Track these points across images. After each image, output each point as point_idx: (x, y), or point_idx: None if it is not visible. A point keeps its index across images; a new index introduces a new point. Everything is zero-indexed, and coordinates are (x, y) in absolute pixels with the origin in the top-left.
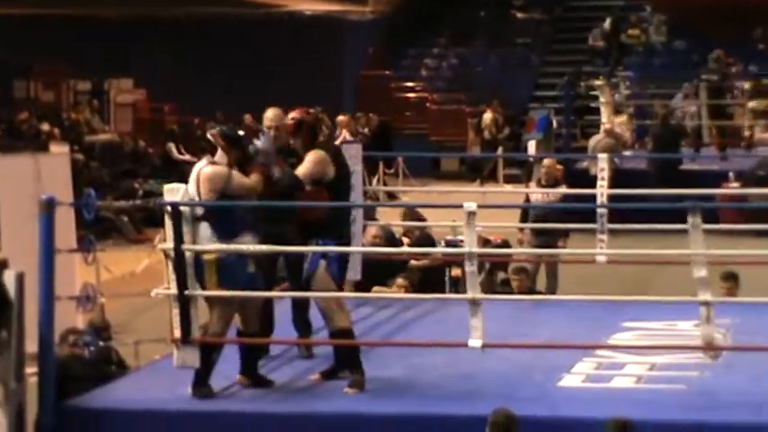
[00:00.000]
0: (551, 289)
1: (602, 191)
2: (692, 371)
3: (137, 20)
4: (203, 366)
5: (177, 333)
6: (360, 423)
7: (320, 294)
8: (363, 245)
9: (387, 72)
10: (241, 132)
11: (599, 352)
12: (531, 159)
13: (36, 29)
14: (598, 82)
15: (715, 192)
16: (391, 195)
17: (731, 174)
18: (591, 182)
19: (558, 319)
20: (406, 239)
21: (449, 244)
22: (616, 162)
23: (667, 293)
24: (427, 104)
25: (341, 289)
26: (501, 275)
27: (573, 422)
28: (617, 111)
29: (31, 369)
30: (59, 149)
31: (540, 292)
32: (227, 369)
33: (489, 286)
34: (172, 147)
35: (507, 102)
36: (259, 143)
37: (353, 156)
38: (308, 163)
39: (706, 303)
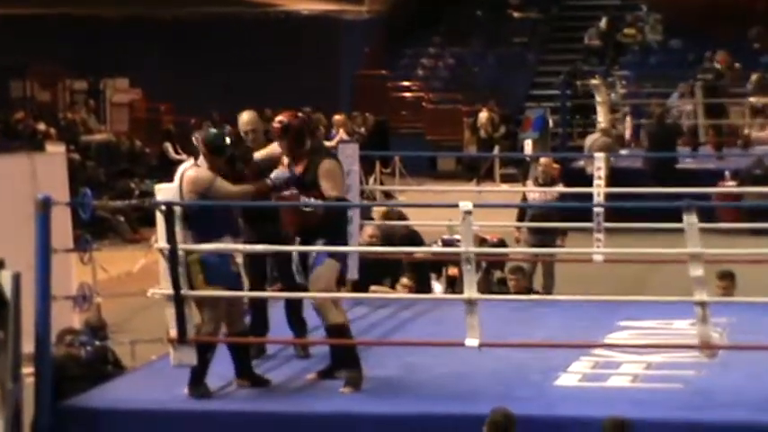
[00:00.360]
0: (548, 288)
1: (598, 190)
2: (688, 370)
3: (133, 19)
4: (199, 366)
5: (173, 333)
6: (356, 423)
7: (315, 295)
8: (360, 244)
9: (383, 71)
10: (228, 140)
11: (595, 351)
12: (527, 158)
13: (32, 28)
14: (594, 81)
15: (711, 190)
16: (388, 195)
17: (727, 172)
18: (587, 181)
19: (554, 318)
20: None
21: (446, 243)
22: (612, 161)
23: (664, 292)
24: (424, 104)
25: (338, 288)
26: (498, 274)
27: (569, 421)
28: (613, 110)
29: (27, 369)
30: (55, 149)
31: (536, 292)
32: (223, 369)
33: (486, 285)
34: (168, 146)
35: (504, 101)
36: (276, 174)
37: (350, 155)
38: (331, 178)
39: (702, 303)
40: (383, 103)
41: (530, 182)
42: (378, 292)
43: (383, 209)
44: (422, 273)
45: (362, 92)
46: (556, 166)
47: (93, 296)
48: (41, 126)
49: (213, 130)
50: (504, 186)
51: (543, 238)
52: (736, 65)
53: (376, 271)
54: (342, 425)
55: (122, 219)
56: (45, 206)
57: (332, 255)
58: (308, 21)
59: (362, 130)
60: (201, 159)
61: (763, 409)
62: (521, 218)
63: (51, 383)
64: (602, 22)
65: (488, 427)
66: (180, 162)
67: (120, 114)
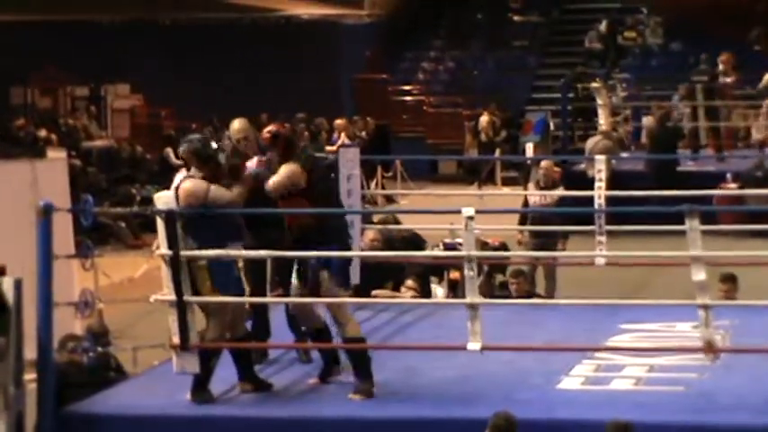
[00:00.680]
0: (550, 291)
1: (599, 192)
2: (691, 372)
3: (133, 25)
4: (202, 372)
5: (176, 339)
6: (359, 427)
7: (323, 300)
8: (361, 248)
9: (384, 75)
10: (214, 145)
11: (598, 354)
12: (528, 162)
13: (33, 35)
14: (595, 84)
15: (713, 193)
16: (389, 199)
17: (729, 175)
18: (589, 184)
19: (556, 321)
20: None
21: (447, 247)
22: (613, 164)
23: (666, 294)
24: (424, 107)
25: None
26: (500, 278)
27: (572, 425)
28: (614, 112)
29: (29, 375)
30: (57, 155)
31: (539, 295)
32: (226, 374)
33: (488, 289)
34: (169, 152)
35: (504, 104)
36: (251, 165)
37: (351, 159)
38: (278, 175)
39: (705, 306)
40: (384, 107)
41: (531, 185)
42: (380, 297)
43: (380, 217)
44: (423, 275)
45: (363, 96)
46: (557, 169)
47: (95, 302)
48: (42, 132)
49: (196, 138)
50: (506, 190)
51: (544, 240)
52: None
53: (378, 275)
54: (344, 429)
55: (124, 224)
56: (46, 212)
57: (325, 265)
58: (308, 25)
59: (363, 134)
60: (194, 170)
61: (765, 411)
62: (523, 221)
63: (54, 390)
64: (603, 25)
65: (491, 431)
66: (181, 167)
67: (121, 120)
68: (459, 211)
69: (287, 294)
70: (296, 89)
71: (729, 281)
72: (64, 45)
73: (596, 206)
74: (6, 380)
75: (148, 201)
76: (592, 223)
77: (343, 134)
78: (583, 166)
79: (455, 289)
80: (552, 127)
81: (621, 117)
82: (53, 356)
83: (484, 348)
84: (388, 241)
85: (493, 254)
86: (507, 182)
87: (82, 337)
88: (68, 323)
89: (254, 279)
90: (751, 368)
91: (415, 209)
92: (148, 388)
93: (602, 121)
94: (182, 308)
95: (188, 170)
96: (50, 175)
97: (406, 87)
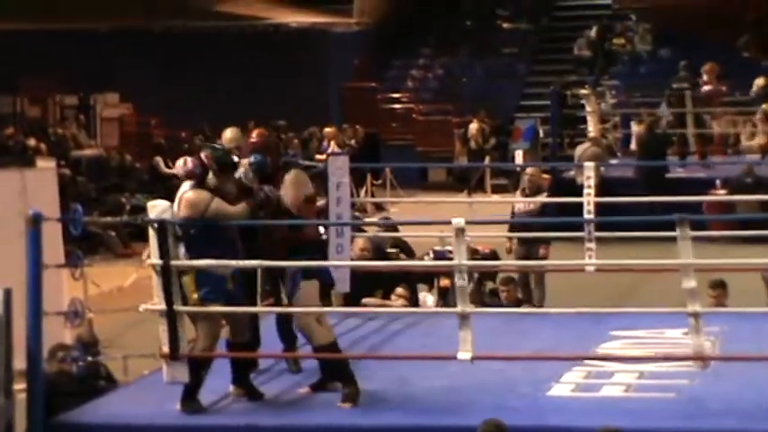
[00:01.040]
0: (539, 298)
1: (588, 199)
2: (681, 379)
3: (123, 34)
4: (192, 382)
5: (166, 349)
6: None
7: (304, 310)
8: (351, 258)
9: (373, 83)
10: (235, 158)
11: (588, 361)
12: (518, 169)
13: (21, 43)
14: (584, 91)
15: (702, 199)
16: (379, 207)
17: (718, 181)
18: (578, 191)
19: (546, 328)
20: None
21: (437, 255)
22: (602, 170)
23: (657, 300)
24: (414, 115)
25: (324, 302)
26: (490, 285)
27: (562, 431)
28: (603, 119)
29: (19, 385)
30: (46, 164)
31: (529, 300)
32: (217, 383)
33: (478, 296)
34: (159, 161)
35: (494, 112)
36: (241, 173)
37: (340, 167)
38: (292, 186)
39: (695, 314)
40: (373, 114)
41: (518, 192)
42: (370, 305)
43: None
44: (413, 284)
45: (352, 104)
46: (546, 176)
47: (84, 312)
48: (32, 141)
49: (219, 146)
50: (496, 197)
51: (530, 247)
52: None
53: (368, 283)
54: None
55: (113, 234)
56: (36, 222)
57: (307, 275)
58: (297, 33)
59: (353, 142)
60: (211, 177)
61: (755, 417)
62: (513, 228)
63: (43, 399)
64: (592, 32)
65: None
66: (171, 176)
67: (111, 129)
68: (449, 222)
69: (277, 304)
70: (285, 97)
71: (719, 287)
72: (53, 54)
73: (585, 213)
74: None
75: (138, 210)
76: (581, 230)
77: (332, 142)
78: (572, 172)
79: (445, 296)
80: (542, 134)
81: (611, 124)
82: (43, 366)
83: (474, 358)
84: (377, 250)
85: (483, 263)
86: (497, 189)
87: (71, 347)
88: (58, 333)
89: (245, 289)
90: (741, 374)
91: (406, 220)
92: (138, 397)
93: (591, 128)
94: (172, 317)
95: (192, 179)
96: (40, 184)
97: (395, 95)
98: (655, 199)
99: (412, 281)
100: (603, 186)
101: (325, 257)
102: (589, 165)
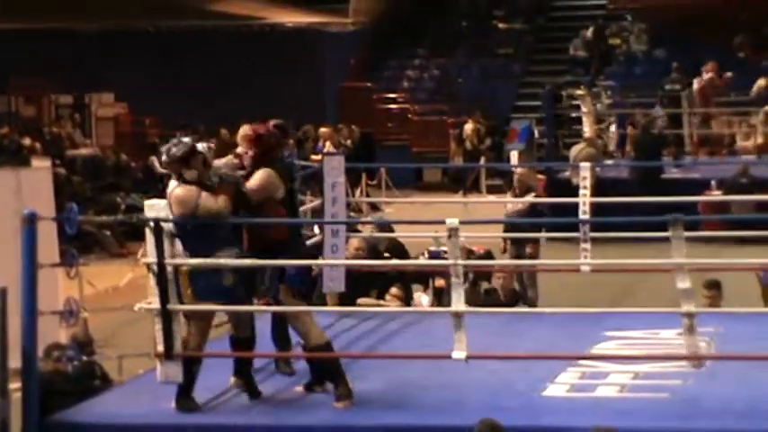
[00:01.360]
0: (533, 298)
1: (584, 200)
2: (675, 379)
3: (117, 33)
4: (185, 379)
5: (160, 348)
6: None
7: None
8: (346, 257)
9: (368, 84)
10: (188, 144)
11: (583, 361)
12: (513, 170)
13: (16, 43)
14: (579, 91)
15: (697, 199)
16: (374, 207)
17: (713, 182)
18: (573, 191)
19: (541, 328)
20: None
21: (432, 255)
22: (598, 171)
23: (652, 300)
24: (409, 115)
25: (309, 303)
26: (485, 285)
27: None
28: (598, 120)
29: (14, 384)
30: (41, 164)
31: (524, 299)
32: (212, 381)
33: (473, 296)
34: (154, 160)
35: (489, 112)
36: (220, 164)
37: (336, 167)
38: (256, 180)
39: (689, 314)
40: (368, 114)
41: (509, 193)
42: (365, 305)
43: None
44: (408, 284)
45: (348, 104)
46: (540, 176)
47: (79, 311)
48: (27, 141)
49: (173, 142)
50: (491, 197)
51: (519, 246)
52: (727, 74)
53: (363, 283)
54: None
55: (109, 233)
56: (31, 221)
57: (282, 277)
58: (292, 33)
59: (348, 142)
60: (191, 171)
61: (749, 417)
62: (507, 228)
63: (38, 398)
64: (589, 32)
65: None
66: (166, 175)
67: (106, 128)
68: (443, 222)
69: (275, 303)
70: (280, 97)
71: (714, 287)
72: (48, 53)
73: (581, 213)
74: None
75: (133, 209)
76: (576, 230)
77: (328, 142)
78: (567, 173)
79: (440, 296)
80: (537, 135)
81: (606, 124)
82: (38, 365)
83: (469, 357)
84: (372, 249)
85: (478, 262)
86: (492, 190)
87: (66, 346)
88: (53, 332)
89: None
90: (736, 374)
91: (400, 220)
92: (133, 396)
93: (587, 128)
94: (167, 317)
95: (178, 176)
96: (35, 183)
97: (391, 95)
98: (650, 199)
99: (407, 281)
100: (599, 187)
101: (297, 258)
102: (585, 165)
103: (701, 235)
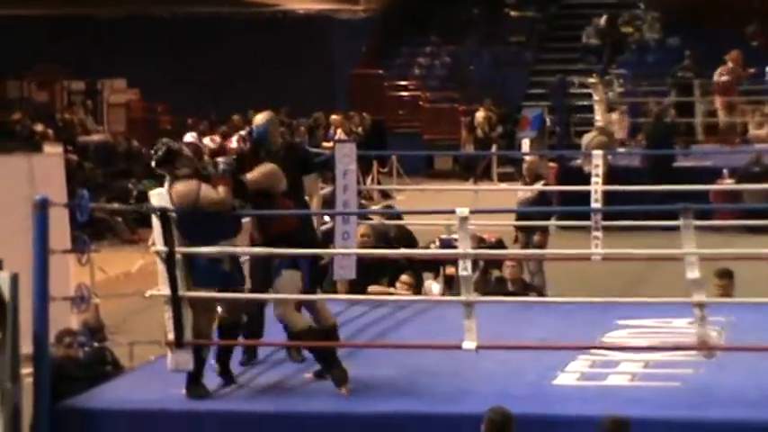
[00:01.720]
0: (539, 285)
1: (596, 188)
2: (686, 368)
3: (130, 20)
4: (195, 365)
5: (171, 336)
6: (353, 422)
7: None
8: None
9: (379, 71)
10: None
11: (593, 350)
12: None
13: (29, 29)
14: (591, 80)
15: (709, 188)
16: (385, 194)
17: (725, 170)
18: (585, 179)
19: (552, 316)
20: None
21: (443, 243)
22: (610, 159)
23: (664, 288)
24: (420, 103)
25: (328, 290)
26: (496, 273)
27: (568, 420)
28: (610, 108)
29: (26, 370)
30: (53, 150)
31: (534, 287)
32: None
33: (484, 285)
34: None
35: (501, 100)
36: (221, 160)
37: (347, 154)
38: (256, 171)
39: (700, 304)
40: (379, 102)
41: (520, 181)
42: (376, 292)
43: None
44: (418, 271)
45: (359, 91)
46: (552, 164)
47: (91, 297)
48: (39, 127)
49: (162, 143)
50: (502, 185)
51: (528, 234)
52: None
53: (372, 270)
54: (339, 424)
55: (120, 219)
56: (43, 207)
57: (292, 264)
58: (304, 20)
59: (360, 129)
60: (184, 168)
61: (761, 406)
62: (517, 216)
63: (50, 384)
64: (602, 20)
65: (486, 426)
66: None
67: (118, 115)
68: (454, 212)
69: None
70: (291, 84)
71: (726, 276)
72: (60, 40)
73: (593, 202)
74: (3, 374)
75: (145, 195)
76: (588, 218)
77: (339, 130)
78: (579, 161)
79: (451, 284)
80: (548, 123)
81: (618, 113)
82: (49, 351)
83: (479, 347)
84: (382, 237)
85: (488, 251)
86: (503, 178)
87: (78, 332)
88: (64, 318)
89: (255, 277)
90: (746, 363)
91: (412, 209)
92: (144, 383)
93: (599, 116)
94: (177, 304)
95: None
96: (47, 169)
97: (402, 83)
98: (662, 188)
99: (417, 269)
100: (611, 175)
101: (312, 247)
102: (597, 153)
103: (712, 224)
